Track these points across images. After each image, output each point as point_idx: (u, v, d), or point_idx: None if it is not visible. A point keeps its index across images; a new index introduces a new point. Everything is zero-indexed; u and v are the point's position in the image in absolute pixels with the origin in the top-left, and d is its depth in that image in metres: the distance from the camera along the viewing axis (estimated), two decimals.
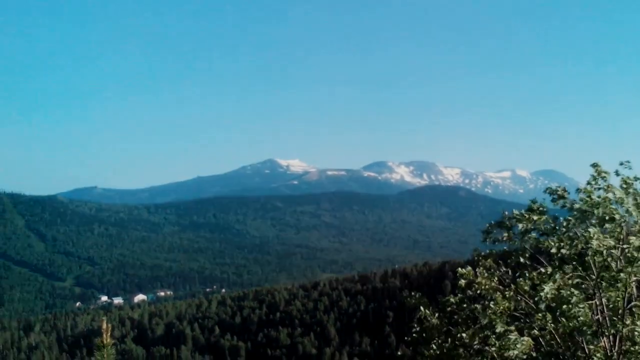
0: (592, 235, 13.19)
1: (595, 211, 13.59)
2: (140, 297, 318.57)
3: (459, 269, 16.12)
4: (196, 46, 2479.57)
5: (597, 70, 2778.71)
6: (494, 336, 14.13)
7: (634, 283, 13.69)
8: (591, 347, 13.70)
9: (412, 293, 17.07)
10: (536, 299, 13.80)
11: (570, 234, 13.79)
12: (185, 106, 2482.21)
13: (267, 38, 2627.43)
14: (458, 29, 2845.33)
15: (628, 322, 13.14)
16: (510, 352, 13.43)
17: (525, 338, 13.61)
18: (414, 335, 16.15)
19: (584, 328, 13.24)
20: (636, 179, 14.08)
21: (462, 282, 15.69)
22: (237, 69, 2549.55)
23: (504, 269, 15.86)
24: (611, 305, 13.88)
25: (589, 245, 13.28)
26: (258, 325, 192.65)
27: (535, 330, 14.06)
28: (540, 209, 14.92)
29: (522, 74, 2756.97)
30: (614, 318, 13.39)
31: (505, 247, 15.86)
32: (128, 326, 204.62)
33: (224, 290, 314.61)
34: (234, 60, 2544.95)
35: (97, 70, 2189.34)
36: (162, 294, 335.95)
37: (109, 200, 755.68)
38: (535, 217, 14.70)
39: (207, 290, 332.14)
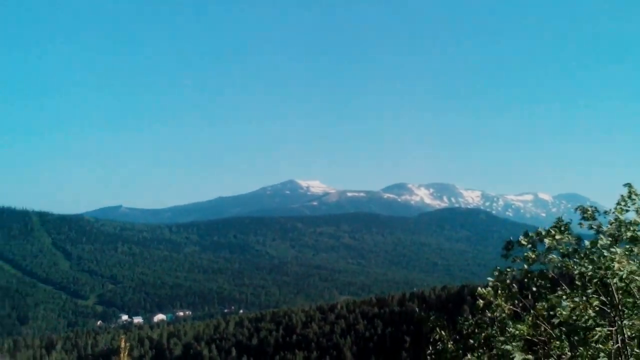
0: (614, 257, 12.52)
1: (623, 233, 12.97)
2: (159, 316, 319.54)
3: (479, 288, 15.52)
4: (219, 69, 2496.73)
5: (621, 93, 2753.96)
6: None
7: None
8: None
9: (428, 313, 16.47)
10: (553, 320, 13.20)
11: (594, 257, 13.10)
12: (207, 128, 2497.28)
13: (286, 62, 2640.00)
14: (477, 51, 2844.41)
15: None
16: None
17: None
18: (428, 356, 15.58)
19: (603, 356, 12.58)
20: None
21: (480, 302, 15.11)
22: (258, 90, 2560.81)
23: (525, 292, 15.23)
24: (633, 333, 13.21)
25: (612, 269, 12.61)
26: (274, 348, 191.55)
27: (553, 358, 13.38)
28: (565, 227, 14.30)
29: (544, 96, 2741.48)
30: (636, 349, 12.69)
31: (526, 266, 15.25)
32: (147, 346, 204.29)
33: (241, 311, 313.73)
34: (255, 81, 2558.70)
35: (126, 93, 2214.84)
36: (181, 313, 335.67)
37: (133, 219, 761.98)
38: (558, 236, 14.09)
39: (225, 310, 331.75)
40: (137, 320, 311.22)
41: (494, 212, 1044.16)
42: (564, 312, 12.93)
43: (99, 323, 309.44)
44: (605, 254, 12.60)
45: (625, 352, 12.87)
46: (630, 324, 13.18)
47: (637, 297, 12.65)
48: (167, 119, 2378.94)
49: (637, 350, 12.54)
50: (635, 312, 12.72)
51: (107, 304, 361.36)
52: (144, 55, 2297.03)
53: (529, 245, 14.74)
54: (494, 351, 14.45)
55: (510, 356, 13.10)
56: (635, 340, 13.12)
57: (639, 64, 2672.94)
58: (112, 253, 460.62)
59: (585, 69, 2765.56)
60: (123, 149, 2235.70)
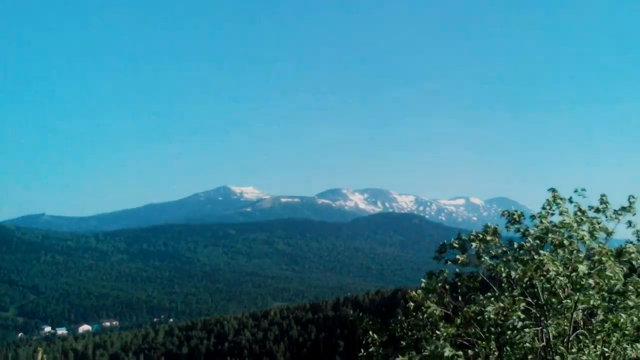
0: (542, 259, 12.74)
1: (548, 237, 13.23)
2: (84, 327, 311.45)
3: (410, 291, 15.64)
4: (140, 71, 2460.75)
5: (549, 100, 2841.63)
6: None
7: (580, 311, 13.29)
8: None
9: (361, 314, 16.48)
10: (479, 318, 13.35)
11: (523, 258, 13.32)
12: (135, 132, 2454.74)
13: (216, 64, 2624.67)
14: (409, 59, 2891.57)
15: (574, 350, 12.66)
16: None
17: None
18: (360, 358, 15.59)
19: (529, 357, 12.81)
20: (590, 208, 13.79)
21: (411, 304, 15.21)
22: (190, 94, 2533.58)
23: (455, 294, 15.38)
24: (557, 333, 13.47)
25: (542, 269, 12.84)
26: (206, 356, 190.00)
27: (481, 358, 13.49)
28: (493, 231, 14.55)
29: (475, 104, 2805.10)
30: (560, 347, 12.92)
31: (457, 270, 15.45)
32: (71, 358, 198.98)
33: (171, 319, 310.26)
34: (187, 85, 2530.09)
35: (49, 95, 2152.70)
36: (108, 324, 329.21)
37: (57, 227, 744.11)
38: (489, 238, 14.33)
39: (155, 320, 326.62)
40: (61, 331, 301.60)
41: (427, 216, 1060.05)
42: (492, 314, 13.07)
43: (20, 335, 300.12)
44: (536, 257, 12.81)
45: (551, 351, 13.09)
46: (555, 323, 13.44)
47: (561, 297, 12.90)
48: (93, 122, 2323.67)
49: (562, 348, 12.76)
50: (559, 311, 12.95)
51: (28, 315, 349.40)
52: (66, 54, 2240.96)
53: (460, 248, 14.95)
54: (425, 352, 14.52)
55: (441, 350, 13.16)
56: (560, 339, 13.39)
57: (565, 73, 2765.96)
58: (34, 263, 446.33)
59: (518, 76, 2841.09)
60: (46, 154, 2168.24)
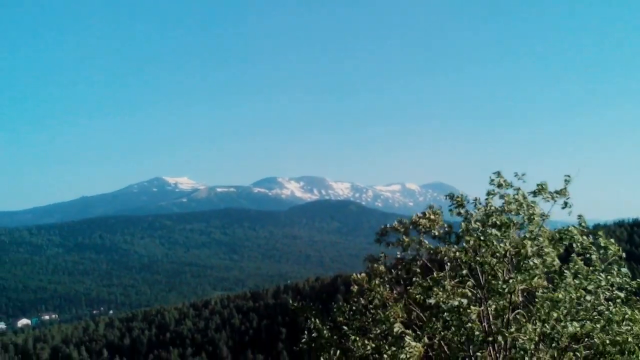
0: (490, 238, 13.23)
1: (492, 218, 13.69)
2: (23, 321, 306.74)
3: (354, 274, 15.91)
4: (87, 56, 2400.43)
5: (483, 82, 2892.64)
6: (389, 340, 13.95)
7: (519, 291, 13.82)
8: (479, 354, 13.70)
9: (300, 302, 16.72)
10: (428, 302, 13.77)
11: (470, 239, 13.74)
12: (68, 123, 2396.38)
13: (149, 53, 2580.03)
14: (346, 39, 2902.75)
15: (512, 329, 13.18)
16: (402, 356, 13.18)
17: (418, 344, 13.39)
18: (302, 345, 15.82)
19: (473, 336, 13.26)
20: (530, 192, 14.31)
21: (355, 288, 15.49)
22: (123, 83, 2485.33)
23: (396, 276, 15.75)
24: (497, 314, 13.99)
25: (489, 247, 13.31)
26: (148, 347, 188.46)
27: (425, 338, 13.90)
28: (436, 212, 14.97)
29: (408, 87, 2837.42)
30: (501, 328, 13.43)
31: (398, 253, 15.79)
32: (12, 352, 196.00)
33: (111, 312, 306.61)
34: (120, 74, 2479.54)
35: None
36: (47, 317, 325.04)
37: None
38: (433, 217, 14.74)
39: (94, 312, 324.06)
40: (0, 326, 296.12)
41: (363, 203, 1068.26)
42: (440, 294, 13.44)
43: None
44: (490, 239, 13.29)
45: (492, 331, 13.62)
46: (496, 304, 13.98)
47: (502, 279, 13.40)
48: (22, 115, 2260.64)
49: (503, 330, 13.27)
50: (499, 292, 13.43)
51: None
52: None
53: (402, 230, 15.32)
54: (372, 334, 14.89)
55: (391, 328, 13.55)
56: (500, 319, 13.93)
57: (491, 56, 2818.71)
58: None
59: (450, 55, 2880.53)
60: None
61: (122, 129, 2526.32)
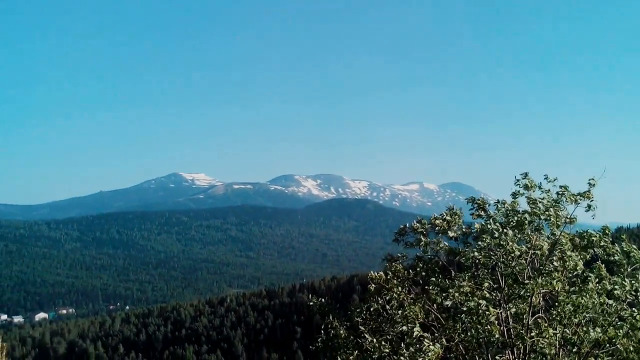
0: (506, 238, 13.04)
1: (511, 219, 13.53)
2: (41, 315, 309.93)
3: (371, 272, 15.75)
4: (91, 52, 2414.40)
5: (502, 84, 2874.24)
6: (408, 341, 13.79)
7: (540, 294, 13.62)
8: (497, 358, 13.52)
9: (319, 299, 16.56)
10: (446, 304, 13.60)
11: (487, 239, 13.56)
12: (87, 118, 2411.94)
13: (166, 54, 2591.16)
14: (363, 44, 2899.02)
15: (533, 333, 12.99)
16: (420, 359, 13.02)
17: (436, 346, 13.21)
18: (319, 344, 15.69)
19: (492, 339, 13.08)
20: (559, 193, 14.13)
21: (372, 286, 15.33)
22: (141, 82, 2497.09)
23: (414, 278, 15.58)
24: (517, 317, 13.81)
25: (505, 248, 13.14)
26: (163, 343, 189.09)
27: (444, 340, 13.73)
28: (456, 213, 14.78)
29: (428, 87, 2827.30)
30: (521, 330, 13.25)
31: (417, 253, 15.62)
32: (29, 345, 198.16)
33: (128, 307, 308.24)
34: (139, 69, 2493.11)
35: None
36: (64, 311, 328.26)
37: (9, 216, 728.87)
38: (449, 218, 14.56)
39: (111, 307, 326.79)
40: (18, 319, 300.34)
41: (381, 202, 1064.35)
42: (457, 295, 13.28)
43: None
44: (504, 239, 13.09)
45: (511, 334, 13.43)
46: (516, 307, 13.77)
47: (522, 281, 13.19)
48: (41, 109, 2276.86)
49: (523, 333, 13.08)
50: (520, 294, 13.23)
51: None
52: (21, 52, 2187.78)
53: (422, 230, 15.14)
54: (389, 335, 14.73)
55: (410, 330, 13.39)
56: (519, 323, 13.73)
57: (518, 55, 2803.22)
58: None
59: (471, 60, 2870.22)
60: None
61: (140, 124, 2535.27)
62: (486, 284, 13.75)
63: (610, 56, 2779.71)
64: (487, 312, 12.91)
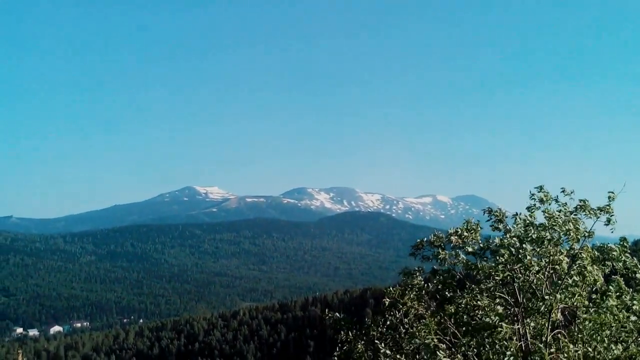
0: (525, 253, 12.91)
1: (531, 231, 13.38)
2: (56, 328, 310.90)
3: (387, 287, 15.71)
4: (105, 68, 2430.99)
5: (515, 97, 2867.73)
6: (422, 355, 13.69)
7: (559, 310, 13.47)
8: None
9: (334, 313, 16.52)
10: (460, 319, 13.50)
11: (505, 253, 13.43)
12: (102, 133, 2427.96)
13: (184, 70, 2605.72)
14: (375, 56, 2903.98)
15: (552, 349, 12.84)
16: None
17: None
18: (335, 357, 15.66)
19: (509, 355, 12.93)
20: (578, 207, 14.00)
21: (387, 300, 15.26)
22: (154, 97, 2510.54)
23: (431, 290, 15.50)
24: (535, 333, 13.67)
25: (523, 262, 13.00)
26: (177, 356, 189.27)
27: (460, 356, 13.61)
28: (474, 227, 14.65)
29: (439, 101, 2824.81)
30: (539, 345, 13.10)
31: (434, 266, 15.52)
32: (44, 358, 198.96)
33: (141, 320, 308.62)
34: (152, 88, 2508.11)
35: (17, 100, 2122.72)
36: (79, 325, 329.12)
37: (25, 229, 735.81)
38: (467, 233, 14.42)
39: (125, 320, 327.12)
40: (33, 332, 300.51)
41: (394, 215, 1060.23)
42: (474, 311, 13.17)
43: None
44: (521, 252, 12.96)
45: (529, 350, 13.26)
46: (533, 322, 13.62)
47: (540, 296, 13.05)
48: (57, 126, 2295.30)
49: (540, 345, 12.92)
50: (538, 309, 13.09)
51: None
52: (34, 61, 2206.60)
53: (440, 244, 15.03)
54: (405, 350, 14.63)
55: (429, 341, 13.26)
56: (539, 339, 13.56)
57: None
58: (4, 265, 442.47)
59: (481, 73, 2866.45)
60: (12, 157, 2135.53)
61: (154, 138, 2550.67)
62: (503, 299, 13.64)
63: (627, 68, 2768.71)
64: (500, 329, 12.79)
